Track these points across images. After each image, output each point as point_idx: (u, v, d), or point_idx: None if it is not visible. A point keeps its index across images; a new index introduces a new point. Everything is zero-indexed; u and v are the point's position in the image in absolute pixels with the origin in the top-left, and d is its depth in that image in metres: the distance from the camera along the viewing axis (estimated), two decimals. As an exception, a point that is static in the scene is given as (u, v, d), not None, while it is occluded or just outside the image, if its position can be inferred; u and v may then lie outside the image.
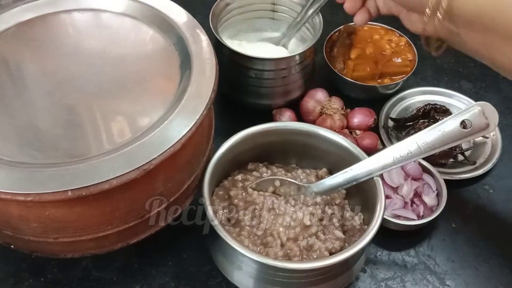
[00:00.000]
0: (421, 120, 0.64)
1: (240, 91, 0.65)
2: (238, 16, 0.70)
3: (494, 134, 0.64)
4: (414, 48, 0.71)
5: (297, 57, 0.61)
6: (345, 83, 0.68)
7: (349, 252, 0.43)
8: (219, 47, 0.60)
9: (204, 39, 0.50)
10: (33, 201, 0.37)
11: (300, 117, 0.65)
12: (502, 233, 0.58)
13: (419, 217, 0.55)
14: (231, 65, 0.61)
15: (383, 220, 0.46)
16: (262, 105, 0.65)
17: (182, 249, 0.53)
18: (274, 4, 0.70)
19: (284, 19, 0.70)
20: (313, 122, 0.64)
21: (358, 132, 0.64)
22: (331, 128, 0.60)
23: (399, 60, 0.69)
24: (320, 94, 0.66)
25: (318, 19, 0.64)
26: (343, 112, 0.65)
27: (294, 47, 0.68)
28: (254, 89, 0.63)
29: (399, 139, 0.65)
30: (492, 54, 0.42)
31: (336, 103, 0.65)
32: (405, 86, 0.70)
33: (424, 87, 0.71)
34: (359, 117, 0.65)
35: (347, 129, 0.65)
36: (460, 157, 0.63)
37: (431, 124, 0.45)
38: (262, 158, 0.56)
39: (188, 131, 0.42)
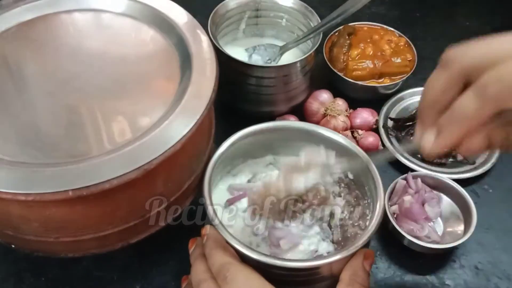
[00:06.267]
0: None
1: (241, 99, 0.64)
2: (238, 22, 0.70)
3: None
4: (414, 48, 0.71)
5: (298, 64, 0.61)
6: (345, 83, 0.68)
7: (349, 251, 0.43)
8: (218, 54, 0.60)
9: (205, 39, 0.50)
10: (34, 200, 0.37)
11: (304, 120, 0.65)
12: (501, 232, 0.58)
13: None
14: (231, 72, 0.61)
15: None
16: (264, 113, 0.64)
17: (182, 248, 0.53)
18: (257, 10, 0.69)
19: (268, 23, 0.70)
20: (317, 123, 0.64)
21: (360, 132, 0.64)
22: (335, 130, 0.59)
23: (399, 60, 0.69)
24: (324, 96, 0.66)
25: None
26: (347, 114, 0.65)
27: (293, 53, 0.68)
28: (255, 96, 0.63)
29: (398, 139, 0.65)
30: None
31: (340, 105, 0.65)
32: (405, 86, 0.70)
33: (423, 87, 0.71)
34: (362, 118, 0.65)
35: (350, 130, 0.65)
36: (460, 157, 0.63)
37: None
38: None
39: (188, 131, 0.42)
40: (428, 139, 0.34)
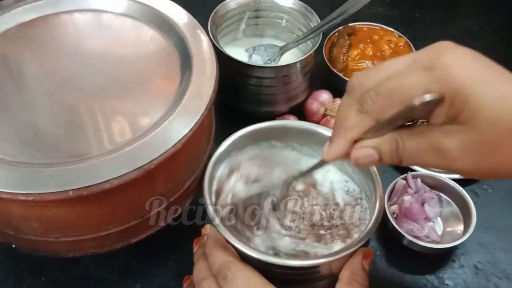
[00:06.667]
0: (420, 120, 0.64)
1: (241, 99, 0.64)
2: (238, 22, 0.70)
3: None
4: (414, 49, 0.71)
5: (298, 64, 0.61)
6: (345, 83, 0.67)
7: (348, 250, 0.43)
8: (218, 54, 0.60)
9: (205, 39, 0.50)
10: (34, 200, 0.37)
11: (304, 120, 0.65)
12: (501, 232, 0.58)
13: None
14: (231, 73, 0.61)
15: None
16: (264, 113, 0.65)
17: (182, 249, 0.53)
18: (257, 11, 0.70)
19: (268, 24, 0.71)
20: (317, 123, 0.64)
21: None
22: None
23: (399, 60, 0.69)
24: (324, 96, 0.66)
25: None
26: None
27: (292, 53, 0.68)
28: (255, 97, 0.63)
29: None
30: None
31: None
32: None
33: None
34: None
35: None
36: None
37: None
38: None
39: (188, 131, 0.42)
40: (324, 149, 0.37)
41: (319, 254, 0.46)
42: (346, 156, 0.35)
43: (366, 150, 0.34)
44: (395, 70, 0.32)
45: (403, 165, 0.35)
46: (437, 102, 0.30)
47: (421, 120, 0.34)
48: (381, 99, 0.32)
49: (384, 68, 0.33)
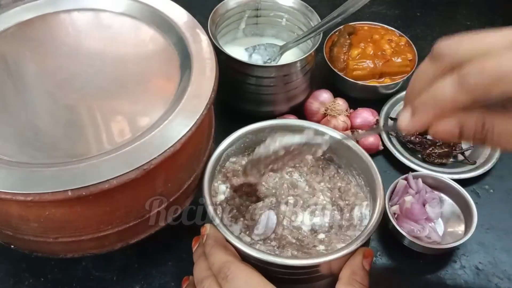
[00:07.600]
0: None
1: (241, 99, 0.64)
2: (238, 22, 0.69)
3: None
4: (414, 48, 0.71)
5: (298, 64, 0.61)
6: (345, 83, 0.68)
7: (349, 250, 0.43)
8: (218, 54, 0.60)
9: (204, 39, 0.50)
10: (33, 201, 0.37)
11: (304, 119, 0.65)
12: (502, 232, 0.58)
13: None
14: (231, 72, 0.61)
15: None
16: (264, 112, 0.64)
17: (182, 249, 0.53)
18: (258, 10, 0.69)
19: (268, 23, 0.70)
20: (317, 123, 0.64)
21: (360, 132, 0.64)
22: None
23: (399, 60, 0.69)
24: (324, 95, 0.66)
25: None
26: (348, 114, 0.65)
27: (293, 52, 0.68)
28: (255, 96, 0.63)
29: (399, 138, 0.65)
30: None
31: (340, 104, 0.65)
32: (405, 86, 0.70)
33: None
34: (362, 118, 0.65)
35: (350, 130, 0.65)
36: (460, 157, 0.63)
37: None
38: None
39: (188, 131, 0.42)
40: (403, 118, 0.34)
41: (319, 253, 0.46)
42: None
43: (449, 123, 0.32)
44: (495, 44, 0.29)
45: (485, 145, 0.33)
46: None
47: None
48: (486, 80, 0.29)
49: (482, 39, 0.30)
